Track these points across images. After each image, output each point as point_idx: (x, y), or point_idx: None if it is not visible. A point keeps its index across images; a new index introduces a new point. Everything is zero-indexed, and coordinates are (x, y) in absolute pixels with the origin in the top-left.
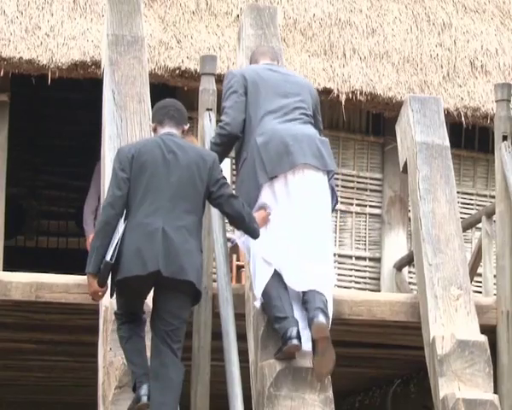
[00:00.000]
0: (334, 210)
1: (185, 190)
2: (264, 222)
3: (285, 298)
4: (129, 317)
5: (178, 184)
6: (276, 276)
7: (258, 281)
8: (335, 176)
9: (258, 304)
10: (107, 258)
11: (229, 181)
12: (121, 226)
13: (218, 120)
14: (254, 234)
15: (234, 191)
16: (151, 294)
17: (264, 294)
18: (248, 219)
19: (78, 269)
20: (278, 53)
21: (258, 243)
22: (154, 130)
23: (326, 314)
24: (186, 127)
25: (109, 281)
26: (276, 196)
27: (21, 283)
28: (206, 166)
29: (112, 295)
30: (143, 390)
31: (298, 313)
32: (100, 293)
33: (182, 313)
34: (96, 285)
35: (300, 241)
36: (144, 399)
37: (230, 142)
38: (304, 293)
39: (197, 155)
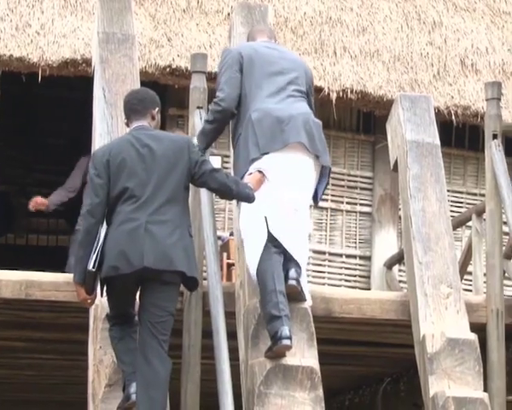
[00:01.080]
0: (321, 198)
1: (165, 181)
2: (259, 184)
3: (279, 278)
4: (120, 318)
5: (157, 177)
6: (269, 248)
7: (252, 255)
8: (332, 175)
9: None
10: (90, 267)
11: None
12: (103, 232)
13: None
14: (248, 199)
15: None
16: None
17: (259, 273)
18: (236, 186)
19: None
20: (274, 33)
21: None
22: (127, 125)
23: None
24: (155, 111)
25: (99, 281)
26: (266, 172)
27: (11, 281)
28: (183, 151)
29: (102, 294)
30: (133, 388)
31: None
32: (89, 300)
33: (168, 305)
34: (84, 293)
35: (281, 222)
36: (133, 397)
37: (225, 118)
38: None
39: (171, 142)
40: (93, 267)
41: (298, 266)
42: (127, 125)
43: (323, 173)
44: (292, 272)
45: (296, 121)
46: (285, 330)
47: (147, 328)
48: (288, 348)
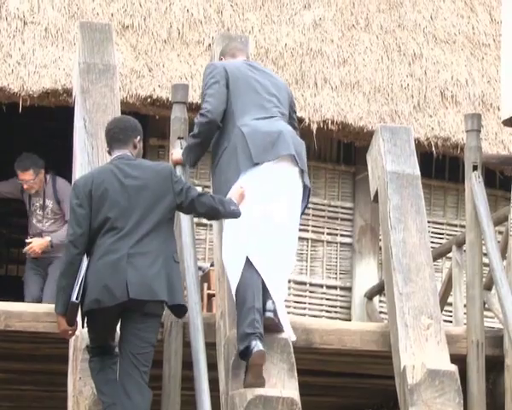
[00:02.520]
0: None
1: (148, 211)
2: (242, 198)
3: (258, 295)
4: (101, 349)
5: (141, 208)
6: (250, 264)
7: (232, 273)
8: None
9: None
10: (73, 298)
11: None
12: (85, 263)
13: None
14: (235, 215)
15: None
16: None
17: (240, 288)
18: (222, 207)
19: None
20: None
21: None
22: (109, 153)
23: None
24: (137, 140)
25: (80, 313)
26: (254, 183)
27: None
28: (166, 181)
29: (83, 326)
30: None
31: None
32: (70, 332)
33: (150, 337)
34: (65, 324)
35: (268, 234)
36: None
37: (211, 131)
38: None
39: (154, 172)
40: (76, 299)
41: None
42: (109, 153)
43: (304, 194)
44: (269, 304)
45: (285, 136)
46: (257, 344)
47: (128, 359)
48: (263, 355)
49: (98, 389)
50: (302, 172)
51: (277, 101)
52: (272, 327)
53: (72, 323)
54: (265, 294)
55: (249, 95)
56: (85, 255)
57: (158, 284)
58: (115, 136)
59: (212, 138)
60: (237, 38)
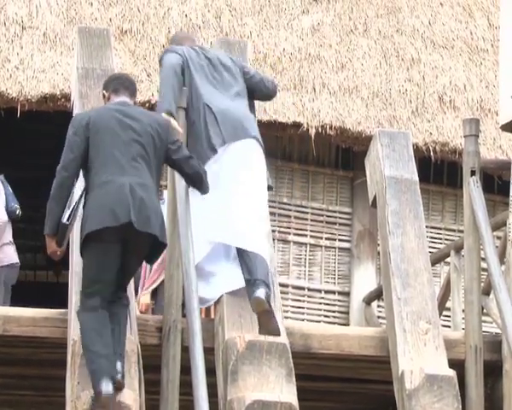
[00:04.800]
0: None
1: (145, 152)
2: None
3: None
4: (96, 295)
5: (139, 146)
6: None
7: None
8: (305, 209)
9: None
10: (64, 220)
11: None
12: (77, 189)
13: None
14: (208, 189)
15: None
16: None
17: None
18: (205, 176)
19: (46, 302)
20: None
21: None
22: (108, 98)
23: (267, 286)
24: (136, 99)
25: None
26: (223, 162)
27: None
28: (164, 130)
29: (82, 252)
30: (104, 386)
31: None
32: (58, 252)
33: (136, 270)
34: (54, 246)
35: (241, 204)
36: (107, 390)
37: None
38: (243, 250)
39: (153, 119)
40: (67, 221)
41: (266, 284)
42: (108, 98)
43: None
44: (256, 287)
45: (250, 121)
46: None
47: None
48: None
49: (92, 350)
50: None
51: (234, 79)
52: (264, 315)
53: (61, 244)
54: (252, 273)
55: (207, 74)
56: (77, 183)
57: (154, 219)
58: (126, 83)
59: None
60: (235, 44)
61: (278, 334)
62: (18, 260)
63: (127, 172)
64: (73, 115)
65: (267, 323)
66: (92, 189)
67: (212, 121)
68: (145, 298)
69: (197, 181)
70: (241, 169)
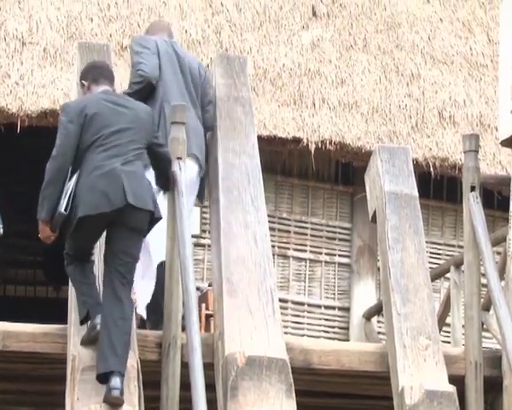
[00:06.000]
0: None
1: (134, 138)
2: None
3: None
4: (81, 255)
5: (130, 133)
6: None
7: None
8: (305, 224)
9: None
10: (61, 209)
11: (198, 230)
12: (73, 177)
13: None
14: (166, 189)
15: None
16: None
17: None
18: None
19: (46, 318)
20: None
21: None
22: (88, 88)
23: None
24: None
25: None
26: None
27: None
28: (149, 119)
29: (66, 233)
30: (98, 319)
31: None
32: (52, 237)
33: (135, 252)
34: (48, 231)
35: None
36: (99, 327)
37: (145, 88)
38: None
39: (140, 107)
40: (65, 210)
41: None
42: (88, 88)
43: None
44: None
45: (197, 137)
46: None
47: (116, 271)
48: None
49: (80, 291)
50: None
51: (194, 87)
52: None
53: (55, 230)
54: None
55: (175, 72)
56: (72, 171)
57: (147, 195)
58: (105, 73)
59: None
60: (235, 60)
61: None
62: None
63: (119, 158)
64: (66, 103)
65: None
66: (84, 173)
67: (164, 124)
68: None
69: (163, 174)
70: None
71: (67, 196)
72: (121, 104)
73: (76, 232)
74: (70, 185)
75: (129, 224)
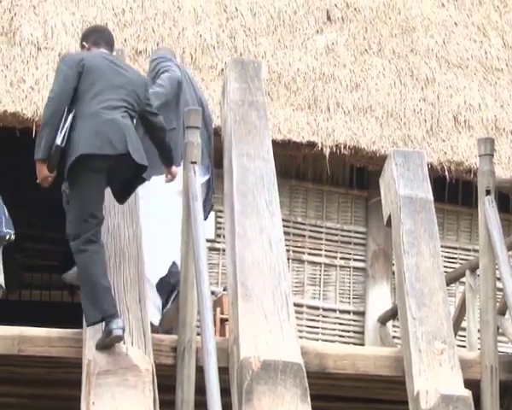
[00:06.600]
0: None
1: (126, 99)
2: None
3: None
4: (85, 229)
5: (122, 91)
6: None
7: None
8: (320, 229)
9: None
10: (58, 142)
11: (213, 234)
12: (69, 116)
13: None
14: (173, 162)
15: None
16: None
17: None
18: (169, 147)
19: (62, 322)
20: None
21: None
22: (88, 50)
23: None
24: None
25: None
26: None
27: (3, 336)
28: (143, 86)
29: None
30: (114, 324)
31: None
32: (50, 178)
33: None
34: (45, 171)
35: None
36: (117, 332)
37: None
38: None
39: (137, 74)
40: (61, 143)
41: None
42: (88, 49)
43: None
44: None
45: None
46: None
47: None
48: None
49: (94, 293)
50: None
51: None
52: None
53: (52, 169)
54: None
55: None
56: (68, 111)
57: (142, 150)
58: (106, 37)
59: None
60: (250, 64)
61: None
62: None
63: (116, 111)
64: (64, 54)
65: None
66: (81, 117)
67: None
68: None
69: (159, 142)
70: None
71: (64, 131)
72: (119, 65)
73: (75, 183)
74: (66, 124)
75: (124, 174)
